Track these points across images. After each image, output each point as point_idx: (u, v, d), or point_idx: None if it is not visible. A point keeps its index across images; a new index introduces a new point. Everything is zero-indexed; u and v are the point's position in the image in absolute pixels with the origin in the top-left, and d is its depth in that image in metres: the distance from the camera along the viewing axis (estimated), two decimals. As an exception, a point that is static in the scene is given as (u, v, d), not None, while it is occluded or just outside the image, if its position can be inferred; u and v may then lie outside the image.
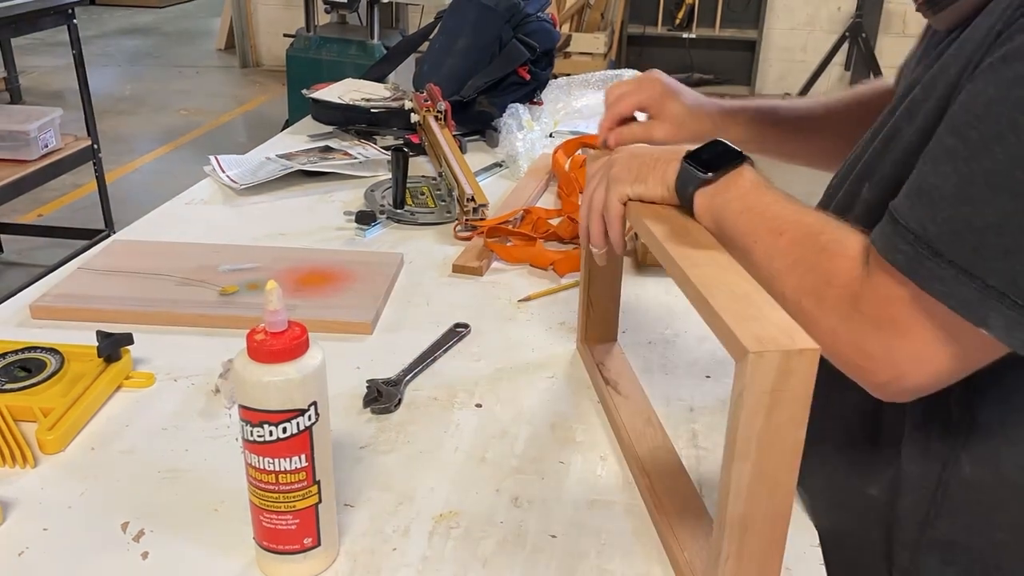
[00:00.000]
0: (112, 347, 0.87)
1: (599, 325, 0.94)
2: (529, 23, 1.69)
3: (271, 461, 0.60)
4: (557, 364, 0.94)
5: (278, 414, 0.58)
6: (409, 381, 0.89)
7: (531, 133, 1.57)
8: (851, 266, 0.60)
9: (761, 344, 0.49)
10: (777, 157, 0.96)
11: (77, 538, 0.68)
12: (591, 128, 1.69)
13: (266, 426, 0.58)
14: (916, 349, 0.56)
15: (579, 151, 1.53)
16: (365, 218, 1.25)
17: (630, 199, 0.73)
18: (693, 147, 0.71)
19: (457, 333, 0.98)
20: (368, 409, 0.85)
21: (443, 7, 1.89)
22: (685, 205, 0.70)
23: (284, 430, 0.59)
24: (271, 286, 0.57)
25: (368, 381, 0.87)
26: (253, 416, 0.58)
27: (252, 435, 0.59)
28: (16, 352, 0.88)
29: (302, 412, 0.59)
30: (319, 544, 0.64)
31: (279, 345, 0.58)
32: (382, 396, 0.86)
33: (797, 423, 0.51)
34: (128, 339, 0.89)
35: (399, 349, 0.94)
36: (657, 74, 0.98)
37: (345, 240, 1.24)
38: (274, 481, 0.60)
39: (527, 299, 1.07)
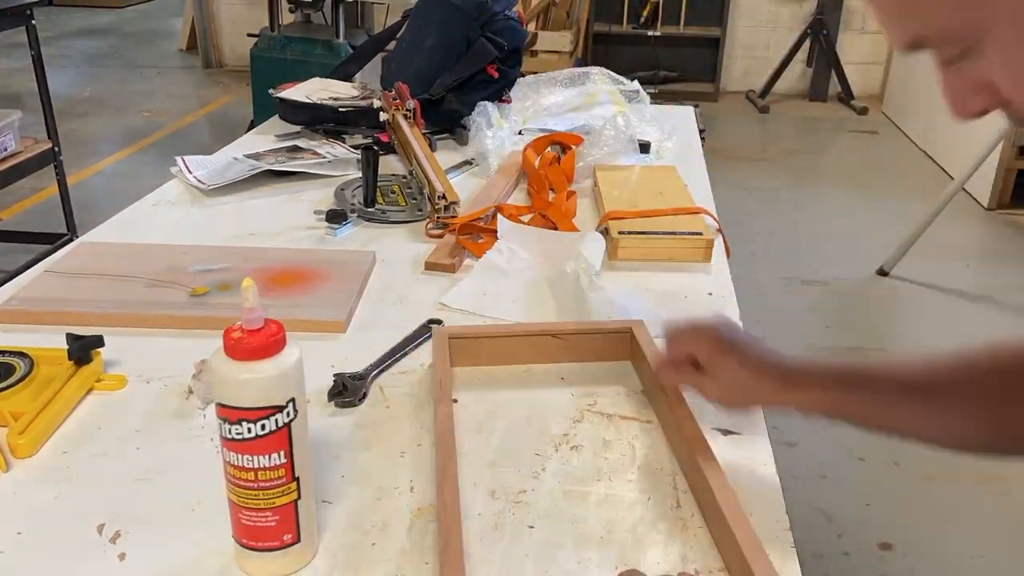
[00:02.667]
0: (82, 350, 0.87)
1: None
2: (497, 21, 1.69)
3: (249, 458, 0.60)
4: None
5: (256, 411, 0.58)
6: (376, 376, 0.90)
7: (500, 131, 1.58)
8: None
9: None
10: (878, 432, 0.74)
11: (53, 541, 0.68)
12: (559, 125, 1.70)
13: (244, 423, 0.58)
14: None
15: (548, 148, 1.54)
16: (336, 217, 1.25)
17: None
18: None
19: (429, 329, 0.99)
20: (332, 403, 0.85)
21: (409, 6, 1.89)
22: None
23: (263, 427, 0.59)
24: (247, 283, 0.58)
25: (335, 375, 0.88)
26: (231, 414, 0.58)
27: (230, 432, 0.59)
28: None
29: (280, 409, 0.59)
30: (298, 540, 0.64)
31: (256, 342, 0.58)
32: (347, 390, 0.86)
33: None
34: (99, 341, 0.88)
35: (373, 347, 0.95)
36: (715, 324, 0.80)
37: (316, 239, 1.23)
38: (253, 478, 0.60)
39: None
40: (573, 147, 1.51)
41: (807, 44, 5.25)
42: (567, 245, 1.15)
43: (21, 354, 0.88)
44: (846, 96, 5.25)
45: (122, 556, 0.66)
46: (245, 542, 0.63)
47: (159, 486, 0.74)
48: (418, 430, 0.82)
